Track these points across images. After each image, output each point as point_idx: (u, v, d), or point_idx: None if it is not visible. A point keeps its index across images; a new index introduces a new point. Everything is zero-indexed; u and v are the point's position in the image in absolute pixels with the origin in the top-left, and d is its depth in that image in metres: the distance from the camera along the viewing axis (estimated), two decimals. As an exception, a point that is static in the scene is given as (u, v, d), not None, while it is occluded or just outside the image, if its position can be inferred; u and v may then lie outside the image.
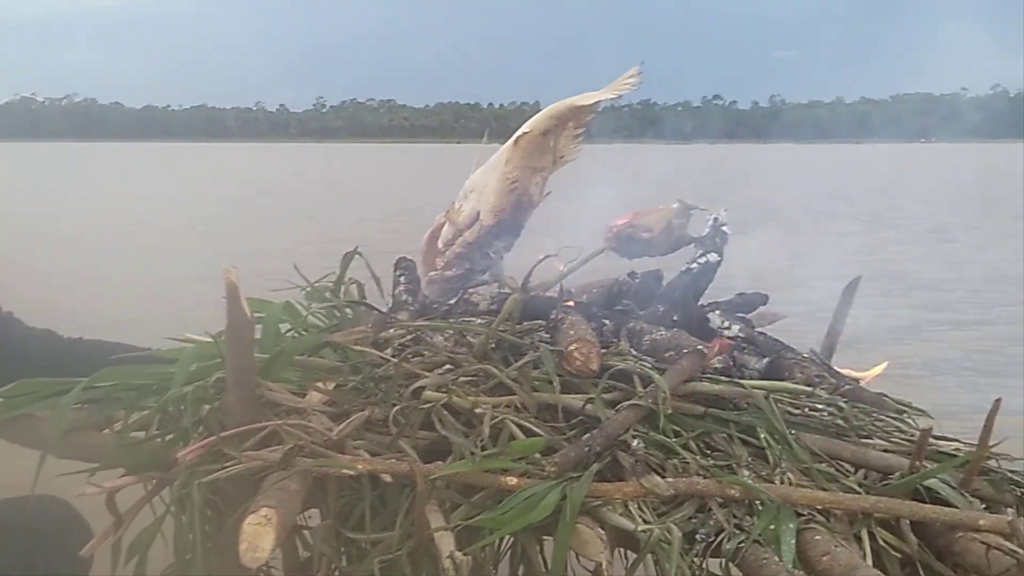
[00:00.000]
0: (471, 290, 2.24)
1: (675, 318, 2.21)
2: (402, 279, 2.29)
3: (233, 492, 1.65)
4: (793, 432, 1.83)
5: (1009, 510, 1.73)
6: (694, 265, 2.37)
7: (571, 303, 2.22)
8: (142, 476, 1.67)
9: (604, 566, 1.48)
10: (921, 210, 20.38)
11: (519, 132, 2.20)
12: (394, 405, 1.74)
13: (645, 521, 1.58)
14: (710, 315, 2.27)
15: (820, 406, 1.93)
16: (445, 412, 1.71)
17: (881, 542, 1.65)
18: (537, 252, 2.21)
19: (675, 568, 1.52)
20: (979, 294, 9.95)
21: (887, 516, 1.67)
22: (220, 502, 1.67)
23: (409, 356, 1.90)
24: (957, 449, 1.91)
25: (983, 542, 1.59)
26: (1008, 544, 1.57)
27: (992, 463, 1.84)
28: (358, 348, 1.88)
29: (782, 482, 1.71)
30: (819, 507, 1.65)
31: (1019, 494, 1.78)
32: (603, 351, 1.91)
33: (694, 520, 1.62)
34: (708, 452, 1.78)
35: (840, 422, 1.91)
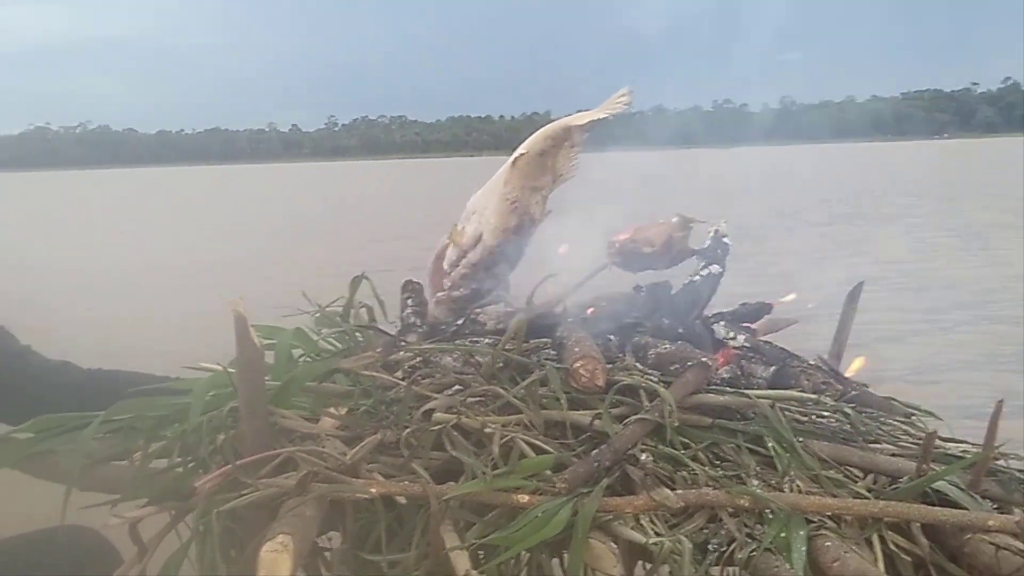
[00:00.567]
0: (478, 310, 2.27)
1: (680, 331, 2.24)
2: (409, 301, 2.32)
3: (252, 519, 1.68)
4: (801, 440, 1.85)
5: (1017, 510, 1.74)
6: (697, 277, 2.39)
7: (591, 311, 2.26)
8: (163, 506, 1.70)
9: (619, 580, 1.51)
10: (947, 208, 20.37)
11: (516, 154, 2.24)
12: (405, 428, 1.77)
13: (657, 533, 1.60)
14: (715, 326, 2.30)
15: (827, 413, 1.95)
16: (455, 433, 1.74)
17: (892, 546, 1.67)
18: (542, 270, 2.24)
19: (687, 579, 1.54)
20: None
21: (897, 520, 1.68)
22: (240, 529, 1.71)
23: (419, 378, 1.93)
24: (965, 451, 1.92)
25: (992, 543, 1.61)
26: (1017, 544, 1.59)
27: (1001, 463, 1.86)
28: (368, 373, 1.91)
29: (791, 490, 1.73)
30: (829, 514, 1.67)
31: (1028, 493, 1.79)
32: (609, 366, 1.93)
33: (705, 531, 1.65)
34: (717, 463, 1.80)
35: (847, 428, 1.93)
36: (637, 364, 2.01)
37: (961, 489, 1.75)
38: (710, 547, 1.62)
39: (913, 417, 2.12)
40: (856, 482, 1.81)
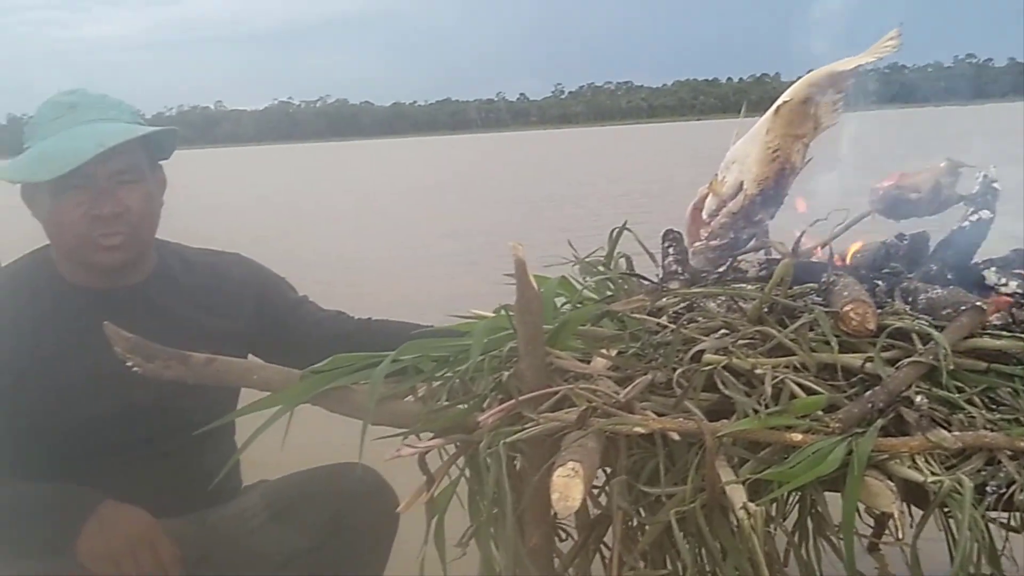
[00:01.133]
0: (740, 258, 2.29)
1: (949, 276, 2.20)
2: (671, 250, 2.37)
3: (529, 452, 1.77)
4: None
5: None
6: (966, 223, 2.34)
7: (854, 257, 2.25)
8: (449, 439, 1.82)
9: (896, 516, 1.52)
10: None
11: (779, 101, 2.24)
12: (674, 369, 1.82)
13: (934, 474, 1.60)
14: (985, 272, 2.24)
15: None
16: (726, 374, 1.78)
17: None
18: (799, 218, 2.24)
19: (967, 519, 1.53)
20: None
21: None
22: (518, 461, 1.81)
23: (686, 322, 1.98)
24: None
25: None
26: None
27: None
28: (637, 316, 1.98)
29: (1073, 433, 1.68)
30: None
31: None
32: (878, 311, 1.93)
33: (983, 473, 1.63)
34: (993, 407, 1.78)
35: None
36: (907, 309, 1.99)
37: None
38: (988, 489, 1.61)
39: None
40: None
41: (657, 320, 1.99)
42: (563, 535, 2.04)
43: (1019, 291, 2.18)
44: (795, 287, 2.06)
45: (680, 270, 2.30)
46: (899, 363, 1.80)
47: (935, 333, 1.82)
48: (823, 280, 2.08)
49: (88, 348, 2.32)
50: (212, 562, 2.31)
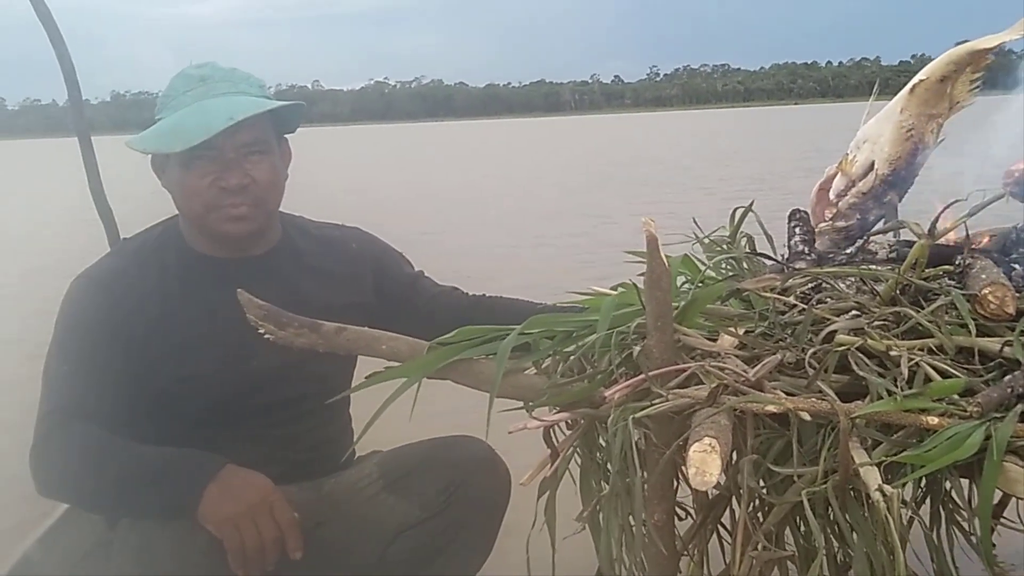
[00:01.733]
0: (872, 239, 2.25)
1: (1092, 262, 2.14)
2: (797, 230, 2.34)
3: (654, 428, 1.77)
4: None
5: None
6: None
7: (988, 240, 2.20)
8: (574, 413, 1.82)
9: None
10: None
11: (915, 79, 2.20)
12: (804, 349, 1.80)
13: (1078, 462, 1.56)
14: None
15: None
16: (860, 355, 1.75)
17: None
18: (929, 200, 2.20)
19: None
20: None
21: None
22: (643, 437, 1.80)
23: (816, 303, 1.95)
24: None
25: None
26: None
27: None
28: (767, 295, 1.96)
29: None
30: None
31: None
32: (1017, 295, 1.89)
33: None
34: None
35: None
36: (1046, 293, 1.94)
37: None
38: None
39: None
40: None
41: (788, 299, 1.97)
42: (681, 514, 2.04)
43: None
44: (930, 269, 2.02)
45: (807, 250, 2.27)
46: (1041, 348, 1.76)
47: (1080, 319, 1.77)
48: (958, 263, 2.03)
49: (212, 316, 2.37)
50: (327, 529, 2.35)
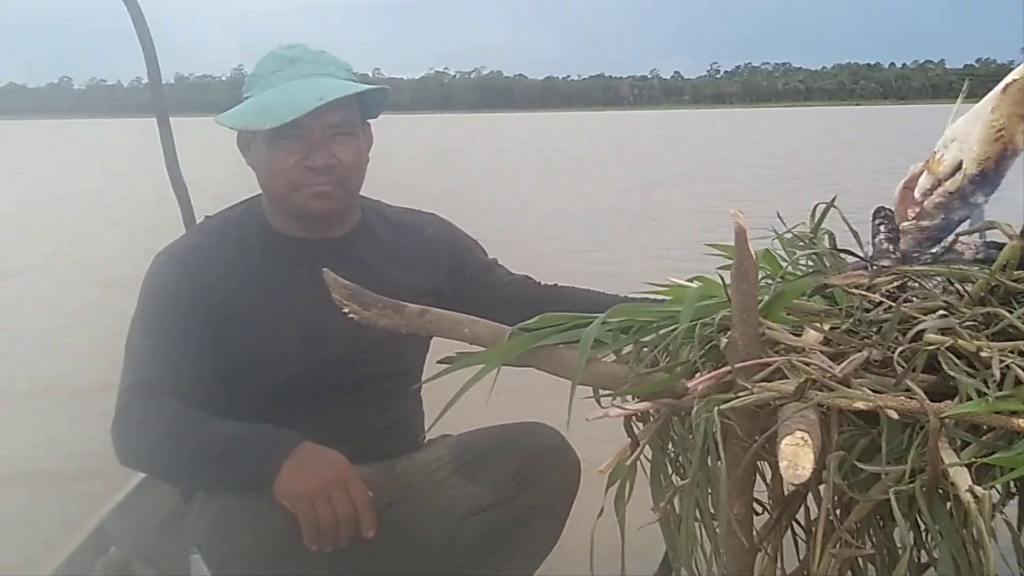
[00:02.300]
0: (960, 240, 2.23)
1: None
2: (882, 228, 2.31)
3: (736, 421, 1.76)
4: None
5: None
6: None
7: None
8: (657, 403, 1.82)
9: None
10: None
11: (1008, 79, 2.16)
12: (891, 347, 1.78)
13: None
14: None
15: None
16: (949, 355, 1.73)
17: None
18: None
19: None
20: None
21: None
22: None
23: (903, 301, 1.93)
24: None
25: None
26: None
27: None
28: (854, 292, 1.94)
29: None
30: None
31: None
32: (1112, 301, 1.86)
33: None
34: None
35: None
36: None
37: None
38: None
39: None
40: None
41: (876, 296, 1.95)
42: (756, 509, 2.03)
43: None
44: (1020, 271, 2.00)
45: (891, 248, 2.25)
46: None
47: None
48: (1049, 266, 2.00)
49: (290, 295, 2.41)
50: (398, 510, 2.37)
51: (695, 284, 2.14)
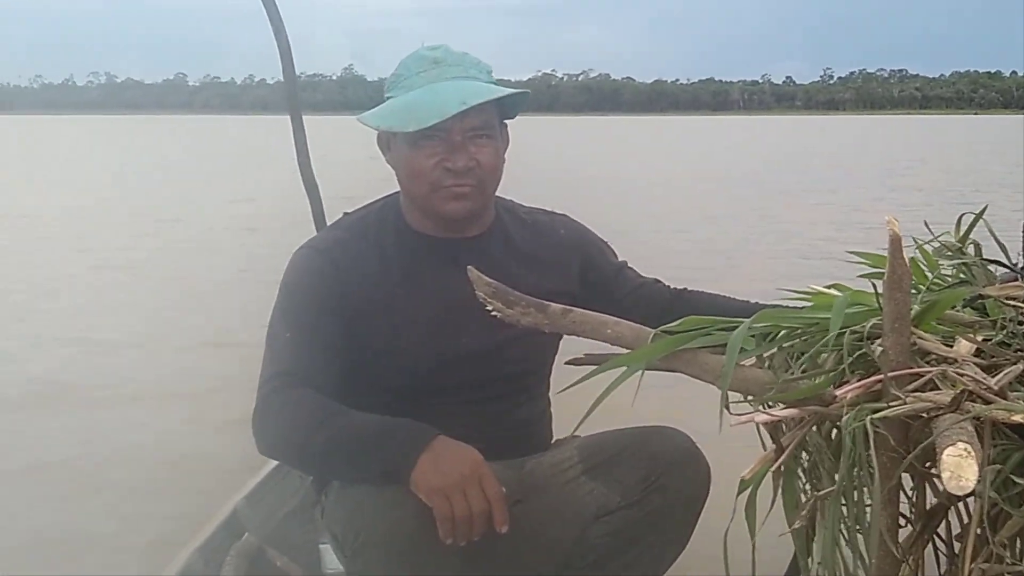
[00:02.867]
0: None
1: None
2: (1034, 239, 2.26)
3: (884, 431, 1.73)
4: None
5: None
6: None
7: None
8: (804, 409, 1.80)
9: None
10: None
11: None
12: (1047, 360, 1.74)
13: None
14: None
15: None
16: None
17: None
18: None
19: None
20: None
21: None
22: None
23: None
24: None
25: None
26: None
27: None
28: (1010, 303, 1.90)
29: None
30: None
31: None
32: None
33: None
34: None
35: None
36: None
37: None
38: None
39: None
40: None
41: (1024, 308, 1.91)
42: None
43: None
44: None
45: (1043, 260, 2.19)
46: None
47: None
48: None
49: (426, 292, 2.44)
50: (526, 508, 2.38)
51: (833, 292, 2.11)
